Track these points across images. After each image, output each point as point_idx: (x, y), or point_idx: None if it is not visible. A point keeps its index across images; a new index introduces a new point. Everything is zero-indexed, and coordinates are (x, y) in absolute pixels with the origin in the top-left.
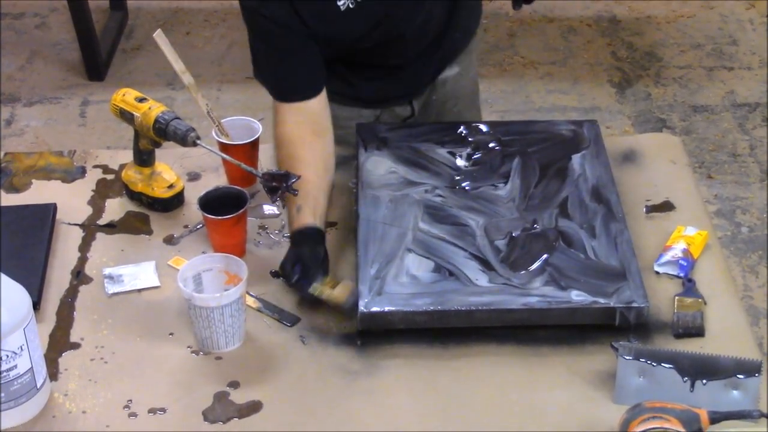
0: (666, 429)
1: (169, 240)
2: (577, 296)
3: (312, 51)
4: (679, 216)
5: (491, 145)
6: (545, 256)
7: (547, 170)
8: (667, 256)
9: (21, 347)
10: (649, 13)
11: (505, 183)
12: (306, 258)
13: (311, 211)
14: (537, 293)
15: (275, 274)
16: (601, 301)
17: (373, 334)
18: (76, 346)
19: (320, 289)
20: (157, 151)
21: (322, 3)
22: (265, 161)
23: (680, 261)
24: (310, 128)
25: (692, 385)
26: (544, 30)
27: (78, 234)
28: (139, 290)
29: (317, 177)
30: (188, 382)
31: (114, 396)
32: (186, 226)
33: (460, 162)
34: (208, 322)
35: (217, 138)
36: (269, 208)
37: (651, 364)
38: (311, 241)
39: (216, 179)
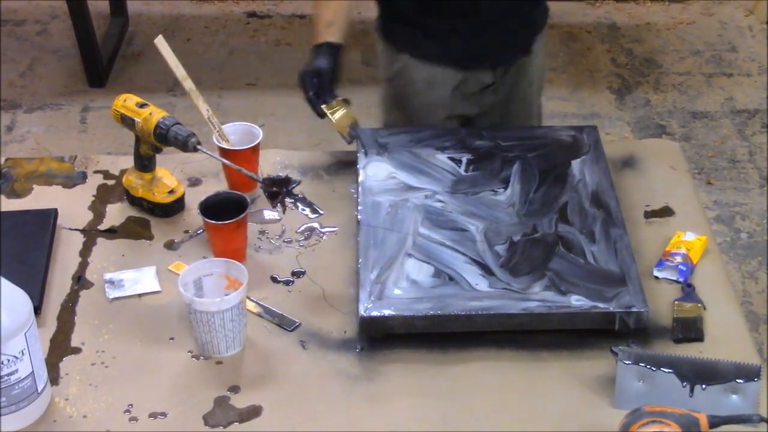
0: None
1: (170, 245)
2: (577, 301)
3: None
4: (679, 221)
5: (491, 150)
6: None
7: (546, 176)
8: (667, 262)
9: (22, 352)
10: (649, 19)
11: (505, 188)
12: (325, 73)
13: (339, 29)
14: (537, 298)
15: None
16: (601, 305)
17: (374, 338)
18: (76, 350)
19: (329, 109)
20: (158, 157)
21: None
22: (266, 167)
23: (679, 266)
24: None
25: (692, 390)
26: (545, 33)
27: (79, 239)
28: (140, 295)
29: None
30: (189, 386)
31: (115, 400)
32: (186, 231)
33: (460, 167)
34: (209, 326)
35: (217, 143)
36: (270, 214)
37: (650, 368)
38: (333, 56)
39: (216, 184)
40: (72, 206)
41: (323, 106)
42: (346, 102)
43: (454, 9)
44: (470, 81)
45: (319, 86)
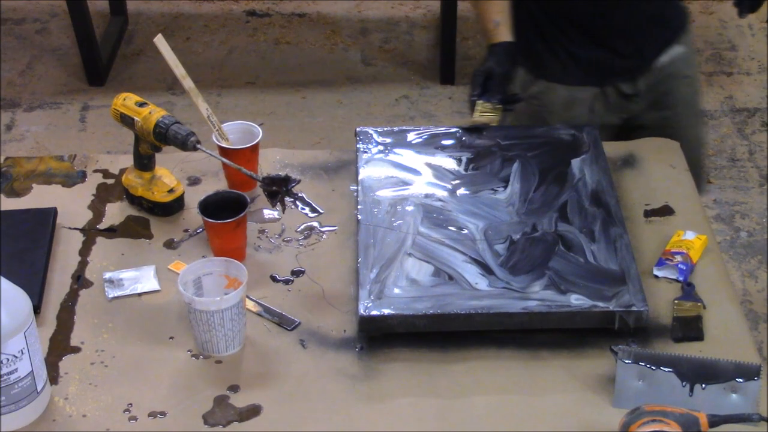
0: None
1: (170, 244)
2: (577, 300)
3: None
4: (679, 220)
5: (491, 149)
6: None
7: (546, 175)
8: (667, 261)
9: (21, 351)
10: None
11: (505, 187)
12: (495, 74)
13: (507, 27)
14: (536, 297)
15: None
16: (601, 305)
17: (373, 337)
18: (76, 349)
19: (480, 108)
20: (158, 156)
21: None
22: (265, 166)
23: (679, 265)
24: None
25: (691, 389)
26: None
27: (78, 238)
28: (140, 294)
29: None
30: (188, 385)
31: (114, 400)
32: (186, 231)
33: (460, 166)
34: (208, 326)
35: (217, 142)
36: (269, 213)
37: (650, 367)
38: (507, 56)
39: (216, 184)
40: (71, 205)
41: (478, 102)
42: (505, 110)
43: (587, 18)
44: (609, 93)
45: (487, 87)
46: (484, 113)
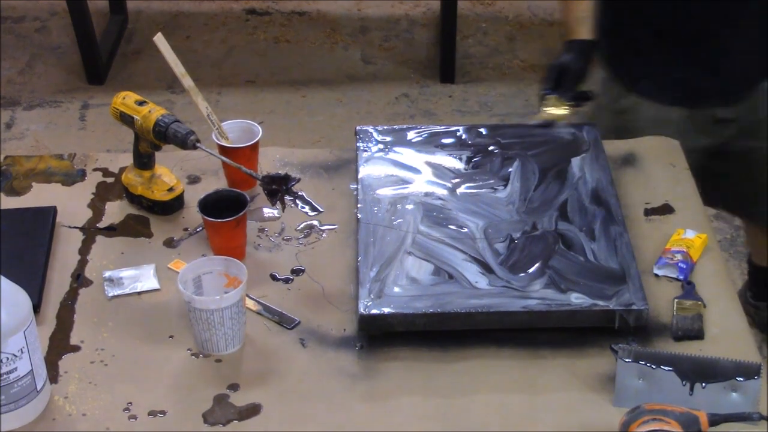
0: (666, 431)
1: (169, 243)
2: (577, 299)
3: None
4: (679, 219)
5: (491, 148)
6: (545, 259)
7: (546, 173)
8: (667, 259)
9: (21, 350)
10: None
11: (505, 186)
12: (569, 70)
13: (588, 26)
14: (536, 296)
15: None
16: (601, 303)
17: (373, 336)
18: (76, 348)
19: (549, 103)
20: (157, 154)
21: None
22: (265, 164)
23: (680, 264)
24: None
25: (692, 388)
26: (544, 34)
27: (78, 237)
28: (139, 293)
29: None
30: (188, 384)
31: (114, 398)
32: (186, 229)
33: (460, 165)
34: (208, 324)
35: (217, 141)
36: (269, 211)
37: (650, 366)
38: (583, 54)
39: (216, 182)
40: (71, 204)
41: (548, 97)
42: (575, 105)
43: (692, 36)
44: (702, 116)
45: (560, 83)
46: (553, 109)
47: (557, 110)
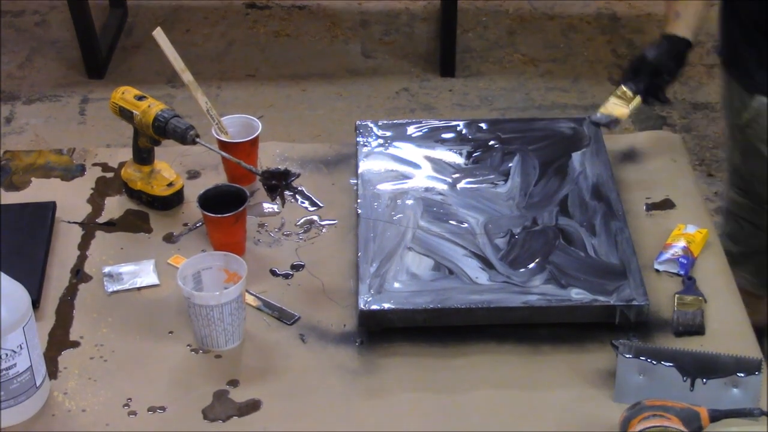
0: (666, 427)
1: (169, 238)
2: (577, 294)
3: None
4: (680, 214)
5: (491, 143)
6: (545, 254)
7: (547, 168)
8: (668, 254)
9: (20, 346)
10: (650, 10)
11: (505, 181)
12: (647, 64)
13: (686, 24)
14: (537, 291)
15: None
16: (601, 299)
17: (373, 332)
18: (75, 344)
19: (616, 96)
20: (157, 149)
21: None
22: (265, 159)
23: (680, 259)
24: None
25: (692, 384)
26: (545, 27)
27: (77, 232)
28: (139, 288)
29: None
30: (188, 380)
31: (113, 394)
32: (185, 225)
33: (460, 160)
34: (208, 320)
35: (216, 136)
36: (269, 206)
37: (651, 362)
38: (671, 50)
39: (215, 177)
40: (70, 199)
41: (618, 88)
42: (644, 102)
43: None
44: None
45: (637, 73)
46: (617, 103)
47: (621, 106)
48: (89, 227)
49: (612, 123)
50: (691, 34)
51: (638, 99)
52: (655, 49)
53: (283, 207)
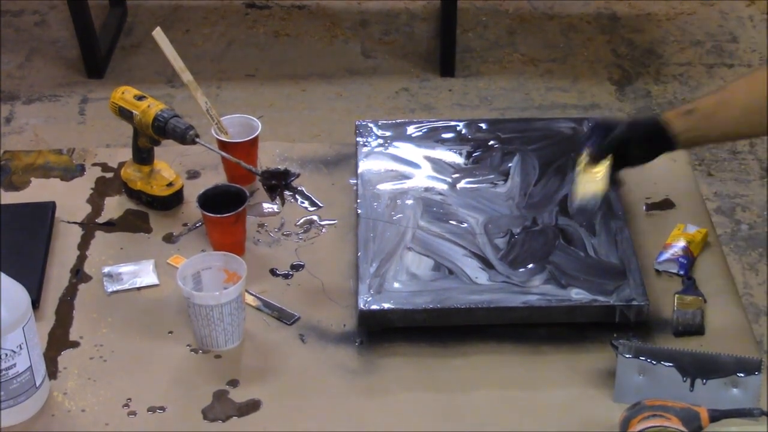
0: (666, 427)
1: (169, 238)
2: (577, 294)
3: None
4: (679, 214)
5: (491, 143)
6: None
7: (546, 168)
8: (667, 254)
9: (20, 346)
10: (649, 10)
11: (505, 181)
12: (613, 137)
13: (690, 127)
14: (537, 291)
15: None
16: (601, 299)
17: (373, 332)
18: (75, 344)
19: (581, 164)
20: (157, 149)
21: None
22: (265, 159)
23: (680, 259)
24: None
25: (692, 384)
26: (544, 27)
27: (77, 232)
28: (139, 288)
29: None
30: (187, 380)
31: (113, 394)
32: (185, 225)
33: (460, 160)
34: (208, 320)
35: (216, 136)
36: (268, 206)
37: (651, 362)
38: (643, 131)
39: (215, 177)
40: (70, 199)
41: (583, 156)
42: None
43: None
44: None
45: (598, 142)
46: (588, 180)
47: (593, 181)
48: (89, 227)
49: (596, 202)
50: (686, 140)
51: (605, 166)
52: (629, 130)
53: (282, 207)
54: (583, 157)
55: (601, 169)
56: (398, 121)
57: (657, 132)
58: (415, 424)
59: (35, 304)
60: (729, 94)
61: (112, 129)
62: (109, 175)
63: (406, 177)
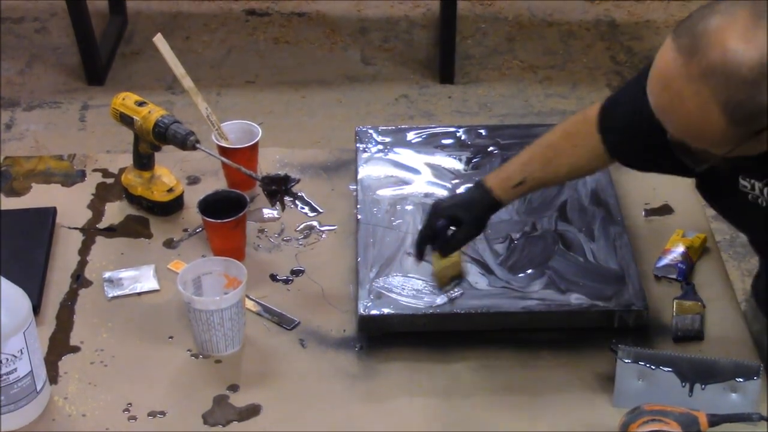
0: None
1: (169, 243)
2: (577, 299)
3: None
4: (678, 219)
5: (490, 149)
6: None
7: None
8: (666, 260)
9: (21, 350)
10: (648, 17)
11: None
12: (458, 239)
13: (523, 192)
14: (536, 296)
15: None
16: (600, 304)
17: (373, 337)
18: (75, 349)
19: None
20: (157, 155)
21: None
22: (265, 165)
23: (679, 264)
24: None
25: (691, 389)
26: (543, 34)
27: (78, 238)
28: (139, 294)
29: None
30: (188, 385)
31: (114, 399)
32: (185, 230)
33: (460, 166)
34: (208, 325)
35: (216, 142)
36: (269, 212)
37: (650, 367)
38: (476, 205)
39: (215, 183)
40: (71, 205)
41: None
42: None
43: None
44: None
45: (441, 234)
46: (446, 264)
47: (446, 261)
48: (89, 232)
49: (460, 280)
50: (507, 191)
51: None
52: (468, 225)
53: (282, 212)
54: (435, 255)
55: (455, 255)
56: (398, 127)
57: (490, 210)
58: (414, 428)
59: (36, 309)
60: (552, 153)
61: (112, 135)
62: (110, 180)
63: (406, 183)
